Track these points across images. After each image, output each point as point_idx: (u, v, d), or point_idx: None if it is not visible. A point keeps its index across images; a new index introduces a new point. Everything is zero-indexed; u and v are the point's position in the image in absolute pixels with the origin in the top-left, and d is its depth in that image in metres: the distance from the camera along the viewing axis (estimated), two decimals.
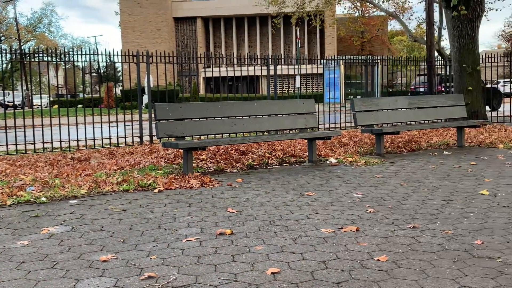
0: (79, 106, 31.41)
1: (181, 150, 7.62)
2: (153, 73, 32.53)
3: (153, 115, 7.05)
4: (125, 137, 9.75)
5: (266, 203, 4.68)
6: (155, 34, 48.99)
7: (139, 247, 3.41)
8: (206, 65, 37.91)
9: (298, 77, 24.55)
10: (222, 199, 4.87)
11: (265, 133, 8.77)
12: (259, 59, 11.28)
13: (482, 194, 4.93)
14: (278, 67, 11.52)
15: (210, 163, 6.93)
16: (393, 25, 57.03)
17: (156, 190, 5.26)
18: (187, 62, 10.78)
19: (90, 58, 9.43)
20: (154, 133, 9.91)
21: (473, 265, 2.96)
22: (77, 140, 9.29)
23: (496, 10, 21.55)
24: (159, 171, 6.30)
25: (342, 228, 3.79)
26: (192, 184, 5.51)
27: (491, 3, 19.28)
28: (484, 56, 13.83)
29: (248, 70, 10.93)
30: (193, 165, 6.64)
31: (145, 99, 16.92)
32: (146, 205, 4.66)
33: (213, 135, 8.98)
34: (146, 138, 10.24)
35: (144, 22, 49.02)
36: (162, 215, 4.29)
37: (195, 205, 4.62)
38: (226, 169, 6.61)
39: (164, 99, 24.93)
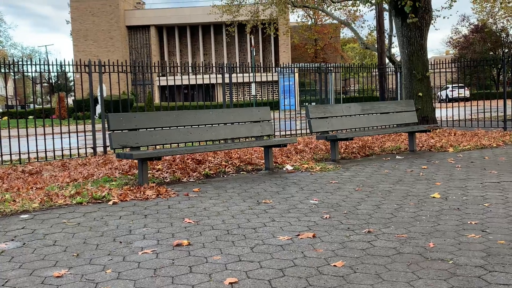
0: (30, 117, 30.51)
1: (136, 161, 7.50)
2: (106, 83, 31.94)
3: (106, 126, 6.92)
4: (78, 149, 9.53)
5: (224, 212, 4.66)
6: (107, 43, 48.27)
7: (94, 261, 3.33)
8: (161, 74, 37.61)
9: (253, 85, 24.67)
10: (179, 209, 4.82)
11: (222, 141, 8.76)
12: (214, 67, 11.28)
13: (433, 197, 5.07)
14: (234, 75, 11.55)
15: (166, 173, 6.86)
16: (345, 33, 58.10)
17: (110, 202, 5.16)
18: (141, 71, 10.65)
19: (40, 68, 9.19)
20: (108, 143, 9.74)
21: (426, 267, 3.03)
22: (28, 153, 9.01)
23: (444, 17, 22.33)
24: (113, 183, 6.18)
25: (299, 235, 3.82)
26: (147, 195, 5.43)
27: (438, 10, 19.99)
28: (433, 62, 14.28)
29: (203, 78, 10.91)
30: (149, 175, 6.55)
31: (98, 109, 16.62)
32: (100, 217, 4.57)
33: (169, 145, 8.90)
34: (100, 149, 10.04)
35: (97, 31, 48.24)
36: (117, 227, 4.21)
37: (151, 217, 4.55)
38: (182, 179, 6.55)
39: (118, 109, 24.54)
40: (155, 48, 50.03)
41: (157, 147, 9.33)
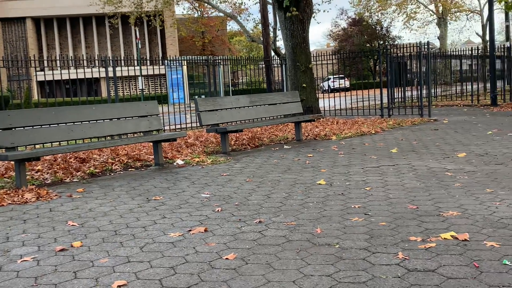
0: None
1: (12, 162, 6.97)
2: None
3: None
4: None
5: (111, 212, 4.46)
6: None
7: None
8: (39, 68, 35.40)
9: (140, 78, 24.04)
10: (62, 212, 4.54)
11: (108, 138, 8.42)
12: (96, 61, 10.80)
13: (319, 184, 5.25)
14: (118, 68, 11.13)
15: (47, 174, 6.45)
16: (232, 26, 58.67)
17: None
18: (17, 65, 9.92)
19: None
20: None
21: (315, 253, 3.12)
22: None
23: (324, 11, 23.31)
24: None
25: (190, 230, 3.76)
26: (26, 198, 5.05)
27: (319, 4, 20.85)
28: (315, 55, 14.84)
29: (84, 72, 10.39)
30: (28, 177, 6.12)
31: None
32: None
33: (50, 144, 8.38)
34: None
35: None
36: None
37: (31, 221, 4.24)
38: (65, 179, 6.19)
39: None
40: (32, 41, 46.90)
41: (37, 146, 8.75)
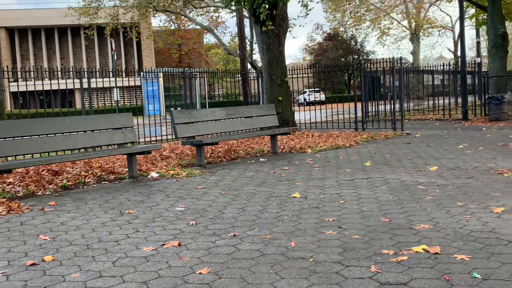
0: None
1: None
2: None
3: None
4: None
5: (83, 225, 4.40)
6: None
7: None
8: (12, 79, 34.78)
9: (115, 90, 23.85)
10: (33, 225, 4.46)
11: (82, 150, 8.32)
12: (71, 72, 10.70)
13: (294, 197, 5.27)
14: (93, 80, 11.04)
15: (19, 186, 6.33)
16: (209, 39, 58.73)
17: None
18: None
19: None
20: None
21: (289, 267, 3.13)
22: None
23: (300, 26, 23.57)
24: None
25: (164, 244, 3.73)
26: None
27: (295, 19, 21.13)
28: (291, 68, 14.96)
29: (59, 83, 10.27)
30: None
31: None
32: None
33: (22, 156, 8.25)
34: None
35: None
36: None
37: (1, 235, 4.15)
38: (37, 192, 6.09)
39: None
40: (6, 51, 46.21)
41: (9, 158, 8.59)
